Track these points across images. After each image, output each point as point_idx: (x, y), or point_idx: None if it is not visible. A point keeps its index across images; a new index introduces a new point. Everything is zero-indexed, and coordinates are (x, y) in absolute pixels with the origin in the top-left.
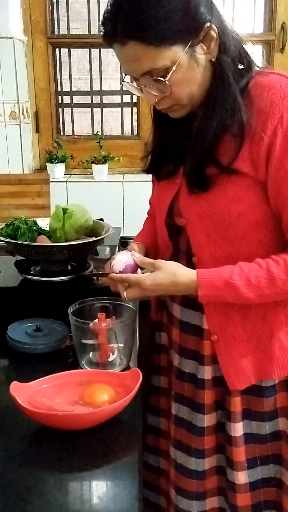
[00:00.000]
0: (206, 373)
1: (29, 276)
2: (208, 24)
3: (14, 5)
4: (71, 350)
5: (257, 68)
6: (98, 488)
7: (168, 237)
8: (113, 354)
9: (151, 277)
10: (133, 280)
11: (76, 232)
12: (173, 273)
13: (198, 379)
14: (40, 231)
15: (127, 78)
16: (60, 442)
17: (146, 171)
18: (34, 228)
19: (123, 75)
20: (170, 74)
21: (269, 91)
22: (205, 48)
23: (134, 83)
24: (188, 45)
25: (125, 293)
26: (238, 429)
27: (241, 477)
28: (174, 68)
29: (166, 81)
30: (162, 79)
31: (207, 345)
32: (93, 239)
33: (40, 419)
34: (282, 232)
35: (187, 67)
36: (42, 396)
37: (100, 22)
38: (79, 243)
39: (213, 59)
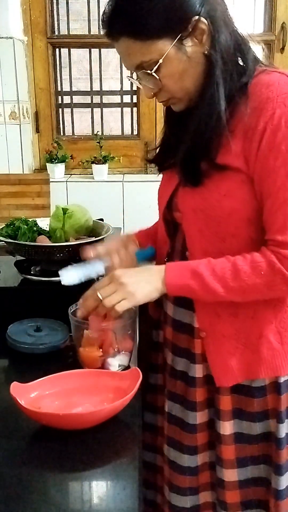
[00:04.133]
0: (197, 371)
1: (29, 276)
2: (196, 17)
3: (14, 5)
4: (71, 350)
5: (262, 67)
6: (98, 488)
7: (166, 232)
8: (113, 354)
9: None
10: (105, 280)
11: (76, 232)
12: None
13: (190, 377)
14: (40, 231)
15: (128, 73)
16: (60, 442)
17: (151, 160)
18: (35, 228)
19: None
20: (156, 67)
21: (267, 88)
22: (196, 41)
23: (134, 77)
24: (176, 39)
25: (107, 300)
26: (227, 427)
27: (230, 475)
28: (161, 61)
29: (153, 73)
30: (153, 72)
31: (198, 343)
32: (93, 239)
33: (40, 419)
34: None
35: (176, 61)
36: (42, 396)
37: (101, 21)
38: (79, 243)
39: (206, 52)
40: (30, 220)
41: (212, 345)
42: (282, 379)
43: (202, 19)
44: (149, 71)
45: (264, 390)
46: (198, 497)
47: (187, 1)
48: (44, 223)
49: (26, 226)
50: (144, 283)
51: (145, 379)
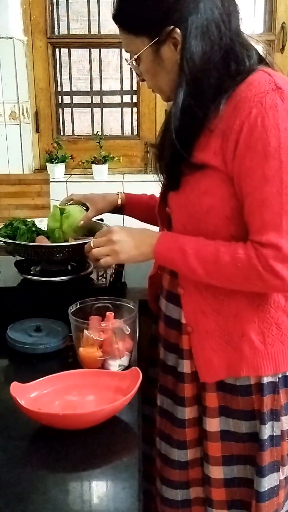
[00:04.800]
0: (186, 366)
1: (29, 276)
2: (171, 27)
3: (14, 5)
4: (71, 350)
5: (260, 67)
6: (98, 488)
7: (161, 224)
8: (113, 353)
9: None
10: (103, 231)
11: (75, 232)
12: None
13: (178, 373)
14: (39, 232)
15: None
16: (60, 442)
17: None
18: (33, 228)
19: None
20: (131, 59)
21: (247, 87)
22: (173, 48)
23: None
24: (153, 41)
25: (95, 251)
26: (213, 424)
27: (216, 472)
28: (135, 56)
29: (128, 63)
30: (133, 62)
31: (185, 339)
32: (93, 239)
33: (40, 419)
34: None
35: (150, 61)
36: (42, 396)
37: None
38: (78, 243)
39: (178, 62)
40: (29, 220)
41: (197, 340)
42: (265, 380)
43: (177, 29)
44: (133, 61)
45: (249, 389)
46: (189, 492)
47: (167, 9)
48: (42, 223)
49: (24, 227)
50: (133, 246)
51: (145, 372)
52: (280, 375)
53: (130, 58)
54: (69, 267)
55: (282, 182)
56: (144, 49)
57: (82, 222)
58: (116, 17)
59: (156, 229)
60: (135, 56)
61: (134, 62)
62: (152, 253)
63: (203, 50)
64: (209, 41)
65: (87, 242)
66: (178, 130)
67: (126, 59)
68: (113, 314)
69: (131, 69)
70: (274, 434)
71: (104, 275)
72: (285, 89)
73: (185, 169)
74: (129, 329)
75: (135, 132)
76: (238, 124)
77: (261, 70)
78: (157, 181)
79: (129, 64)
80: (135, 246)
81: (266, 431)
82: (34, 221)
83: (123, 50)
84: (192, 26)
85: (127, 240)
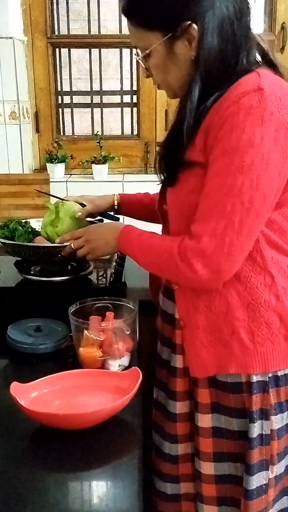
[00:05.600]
0: (178, 361)
1: (29, 276)
2: (188, 22)
3: (14, 5)
4: (71, 350)
5: (261, 67)
6: (98, 488)
7: (162, 221)
8: (113, 354)
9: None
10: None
11: (71, 220)
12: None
13: (171, 367)
14: (35, 232)
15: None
16: (60, 442)
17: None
18: (30, 229)
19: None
20: (142, 55)
21: (235, 87)
22: (186, 44)
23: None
24: (167, 36)
25: (79, 251)
26: (205, 420)
27: (206, 468)
28: (147, 52)
29: (139, 59)
30: (143, 58)
31: (178, 334)
32: (72, 241)
33: (40, 419)
34: None
35: (162, 56)
36: (42, 396)
37: None
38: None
39: (193, 58)
40: (23, 221)
41: (189, 336)
42: (254, 379)
43: (194, 25)
44: (142, 57)
45: (240, 387)
46: (179, 487)
47: (184, 5)
48: (38, 223)
49: (22, 228)
50: (104, 243)
51: (148, 368)
52: (270, 375)
53: (140, 53)
54: (69, 267)
55: (225, 182)
56: (157, 44)
57: (80, 213)
58: (128, 11)
59: (153, 226)
60: (147, 51)
61: (140, 56)
62: (117, 246)
63: (219, 47)
64: (223, 38)
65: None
66: (189, 127)
67: (136, 54)
68: (113, 314)
69: (131, 69)
70: (264, 433)
71: (104, 275)
72: (267, 91)
73: (180, 166)
74: (129, 329)
75: (135, 132)
76: (220, 121)
77: (257, 71)
78: (157, 181)
79: (139, 59)
80: (106, 242)
81: (256, 429)
82: (28, 221)
83: (133, 48)
84: (209, 22)
85: (100, 238)
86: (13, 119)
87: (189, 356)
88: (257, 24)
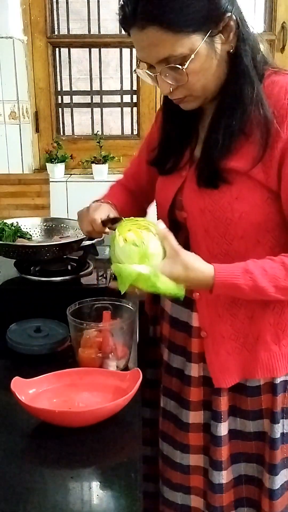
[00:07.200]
0: (193, 370)
1: (29, 276)
2: (229, 14)
3: (14, 5)
4: (71, 351)
5: (271, 67)
6: (98, 488)
7: (172, 229)
8: (112, 354)
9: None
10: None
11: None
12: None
13: (185, 376)
14: (21, 234)
15: (142, 66)
16: (60, 442)
17: (151, 163)
18: (18, 232)
19: (138, 62)
20: (188, 62)
21: (286, 92)
22: (223, 38)
23: (149, 71)
24: (207, 35)
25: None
26: (224, 428)
27: (226, 476)
28: (192, 56)
29: (184, 69)
30: (180, 67)
31: (195, 342)
32: (78, 238)
33: (38, 415)
34: (283, 235)
35: (205, 57)
36: (42, 393)
37: (119, 6)
38: (65, 242)
39: (231, 50)
40: (9, 222)
41: (212, 345)
42: (278, 380)
43: (233, 16)
44: (178, 66)
45: (258, 390)
46: (190, 499)
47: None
48: (30, 222)
49: (10, 230)
50: (196, 282)
51: (143, 374)
52: None
53: (171, 62)
54: (69, 267)
55: None
56: (199, 45)
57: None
58: (157, 17)
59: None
60: (192, 56)
61: (182, 66)
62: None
63: (252, 37)
64: (249, 30)
65: (74, 241)
66: (234, 125)
67: (178, 66)
68: (109, 312)
69: (131, 69)
70: (285, 431)
71: (104, 275)
72: None
73: (224, 175)
74: (128, 330)
75: (135, 132)
76: (286, 132)
77: (271, 69)
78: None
79: (178, 72)
80: (198, 283)
81: (278, 429)
82: (18, 223)
83: (153, 57)
84: (241, 13)
85: (188, 279)
86: (13, 119)
87: (212, 366)
88: (257, 24)
